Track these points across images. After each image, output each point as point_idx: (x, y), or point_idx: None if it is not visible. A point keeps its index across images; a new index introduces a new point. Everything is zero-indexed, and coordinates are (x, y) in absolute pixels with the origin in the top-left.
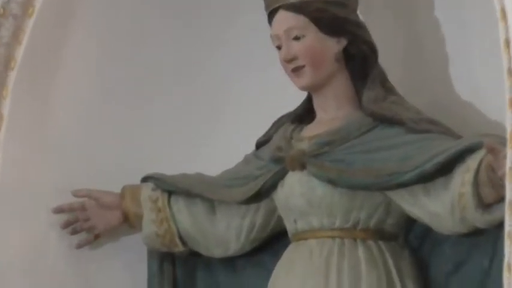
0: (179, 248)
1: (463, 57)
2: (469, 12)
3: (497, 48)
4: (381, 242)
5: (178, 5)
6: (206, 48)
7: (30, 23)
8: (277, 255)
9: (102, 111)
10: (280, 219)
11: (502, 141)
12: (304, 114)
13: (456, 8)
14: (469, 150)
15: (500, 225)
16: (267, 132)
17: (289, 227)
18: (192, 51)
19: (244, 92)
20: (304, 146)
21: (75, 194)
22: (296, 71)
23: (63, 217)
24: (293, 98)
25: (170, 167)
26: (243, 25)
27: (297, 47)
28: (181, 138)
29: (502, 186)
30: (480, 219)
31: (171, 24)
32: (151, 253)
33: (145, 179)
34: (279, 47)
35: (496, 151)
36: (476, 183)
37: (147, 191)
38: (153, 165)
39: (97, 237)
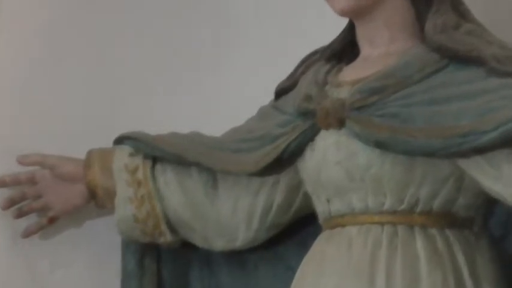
0: (166, 237)
1: None
2: None
3: None
4: (448, 231)
5: None
6: None
7: None
8: (303, 248)
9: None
10: (307, 197)
11: None
12: (344, 49)
13: None
14: None
15: None
16: (291, 74)
17: (320, 208)
18: None
19: (260, 20)
20: (343, 94)
21: (22, 160)
22: None
23: (5, 193)
24: (329, 30)
25: (154, 127)
26: None
27: None
28: (168, 86)
29: None
30: None
31: None
32: (127, 244)
33: (119, 140)
34: None
35: None
36: None
37: (123, 157)
38: (131, 124)
39: (52, 221)
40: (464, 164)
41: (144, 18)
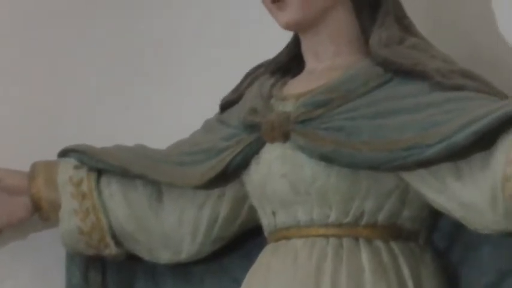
0: (111, 249)
1: None
2: None
3: None
4: (393, 243)
5: None
6: None
7: None
8: (248, 261)
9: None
10: (252, 210)
11: None
12: (289, 63)
13: None
14: None
15: None
16: (236, 88)
17: (266, 221)
18: None
19: (203, 34)
20: (288, 107)
21: None
22: (278, 1)
23: None
24: (275, 43)
25: (102, 140)
26: None
27: None
28: (114, 98)
29: None
30: None
31: None
32: (72, 257)
33: (64, 153)
34: None
35: None
36: None
37: (67, 170)
38: (76, 137)
39: None
40: (408, 177)
41: (91, 30)
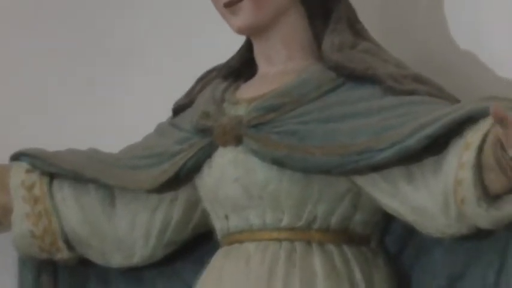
0: (63, 253)
1: None
2: None
3: None
4: (345, 247)
5: None
6: None
7: None
8: (200, 265)
9: None
10: (205, 214)
11: None
12: (241, 67)
13: None
14: (470, 120)
15: (511, 225)
16: (189, 92)
17: (219, 225)
18: None
19: (158, 37)
20: (240, 111)
21: None
22: (231, 5)
23: None
24: (227, 46)
25: (54, 143)
26: None
27: None
28: (66, 102)
29: None
30: (484, 216)
31: None
32: (24, 261)
33: (16, 157)
34: None
35: (506, 121)
36: (479, 165)
37: (19, 174)
38: (28, 140)
39: None
40: (361, 181)
41: (39, 35)
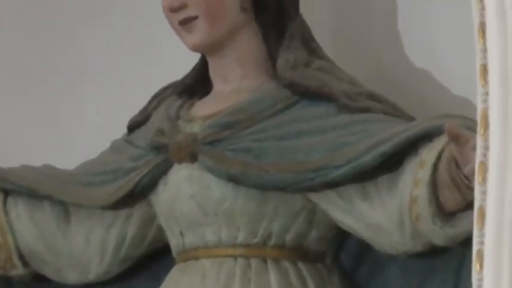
0: (18, 270)
1: (419, 12)
2: None
3: None
4: (300, 264)
5: None
6: None
7: None
8: (155, 281)
9: None
10: (161, 230)
11: (470, 125)
12: (196, 84)
13: None
14: (424, 137)
15: (466, 242)
16: (144, 109)
17: (174, 241)
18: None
19: (111, 55)
20: (195, 128)
21: None
22: (185, 23)
23: None
24: (182, 63)
25: (5, 159)
26: None
27: None
28: (20, 115)
29: (469, 188)
30: (439, 234)
31: None
32: None
33: None
34: None
35: (461, 139)
36: (433, 183)
37: None
38: None
39: None
40: (316, 198)
41: (4, 43)
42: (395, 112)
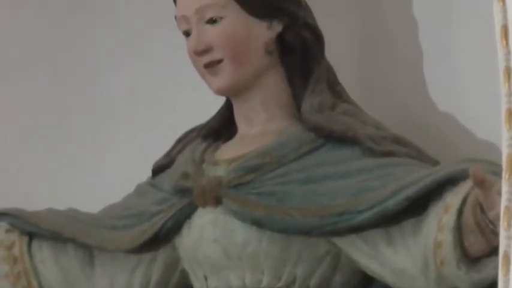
0: None
1: (444, 57)
2: None
3: (489, 41)
4: None
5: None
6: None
7: None
8: None
9: None
10: (184, 274)
11: (495, 170)
12: (221, 127)
13: None
14: (449, 182)
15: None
16: (168, 153)
17: (198, 285)
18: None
19: (137, 98)
20: (220, 172)
21: None
22: (210, 66)
23: None
24: (207, 107)
25: (31, 203)
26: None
27: (212, 33)
28: (45, 160)
29: (494, 233)
30: (464, 279)
31: None
32: None
33: None
34: (186, 33)
35: (486, 184)
36: (458, 228)
37: None
38: (7, 200)
39: None
40: (340, 242)
41: (24, 89)
42: (420, 156)
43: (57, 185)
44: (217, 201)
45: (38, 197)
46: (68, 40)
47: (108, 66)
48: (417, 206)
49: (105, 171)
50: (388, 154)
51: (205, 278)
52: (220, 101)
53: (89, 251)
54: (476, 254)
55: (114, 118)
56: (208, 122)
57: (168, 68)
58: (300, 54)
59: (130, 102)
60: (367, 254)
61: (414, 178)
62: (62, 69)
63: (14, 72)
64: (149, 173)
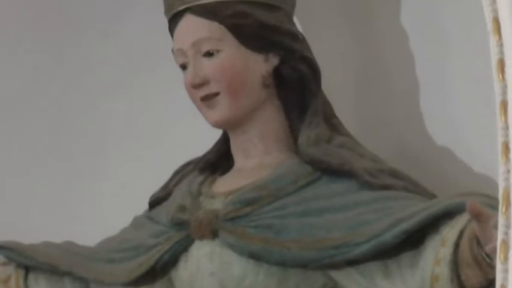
0: None
1: (440, 90)
2: (449, 26)
3: (485, 75)
4: None
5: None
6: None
7: None
8: None
9: None
10: None
11: (492, 204)
12: (218, 160)
13: (433, 18)
14: (446, 215)
15: None
16: (165, 185)
17: None
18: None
19: (134, 131)
20: (217, 205)
21: None
22: (207, 99)
23: None
24: (204, 140)
25: (27, 236)
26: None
27: (209, 66)
28: (41, 193)
29: (491, 267)
30: None
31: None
32: None
33: None
34: (183, 67)
35: (483, 217)
36: (455, 261)
37: None
38: (3, 233)
39: None
40: (337, 275)
41: (13, 121)
42: (416, 189)
43: (53, 217)
44: (214, 234)
45: (34, 229)
46: (64, 70)
47: (105, 97)
48: (414, 239)
49: (102, 204)
50: (385, 187)
51: None
52: (217, 133)
53: (85, 284)
54: (473, 287)
55: (111, 151)
56: (205, 155)
57: (165, 100)
58: (296, 87)
59: (127, 135)
60: (364, 286)
61: (411, 211)
62: (59, 99)
63: (13, 103)
64: (146, 206)
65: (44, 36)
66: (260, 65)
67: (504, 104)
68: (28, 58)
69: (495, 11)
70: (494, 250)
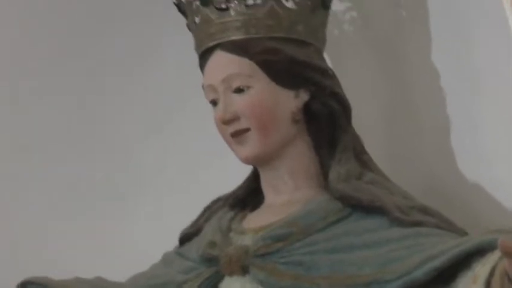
0: None
1: (471, 126)
2: (479, 62)
3: None
4: None
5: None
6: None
7: None
8: None
9: None
10: None
11: None
12: (248, 196)
13: (463, 54)
14: (477, 253)
15: None
16: (195, 221)
17: None
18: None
19: (164, 168)
20: (247, 241)
21: None
22: (237, 135)
23: None
24: (234, 176)
25: (57, 271)
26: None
27: (239, 102)
28: (71, 229)
29: None
30: None
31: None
32: None
33: (23, 285)
34: (214, 102)
35: None
36: None
37: None
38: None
39: None
40: None
41: (42, 158)
42: (448, 226)
43: (85, 253)
44: (244, 270)
45: (65, 265)
46: (95, 111)
47: (135, 136)
48: (445, 276)
49: (133, 239)
50: (417, 224)
51: None
52: (247, 169)
53: None
54: None
55: (141, 188)
56: (234, 191)
57: (195, 136)
58: (326, 123)
59: (157, 172)
60: None
61: (442, 248)
62: (90, 140)
63: (44, 145)
64: (176, 242)
65: (74, 85)
66: (290, 101)
67: None
68: (57, 103)
69: None
70: None
